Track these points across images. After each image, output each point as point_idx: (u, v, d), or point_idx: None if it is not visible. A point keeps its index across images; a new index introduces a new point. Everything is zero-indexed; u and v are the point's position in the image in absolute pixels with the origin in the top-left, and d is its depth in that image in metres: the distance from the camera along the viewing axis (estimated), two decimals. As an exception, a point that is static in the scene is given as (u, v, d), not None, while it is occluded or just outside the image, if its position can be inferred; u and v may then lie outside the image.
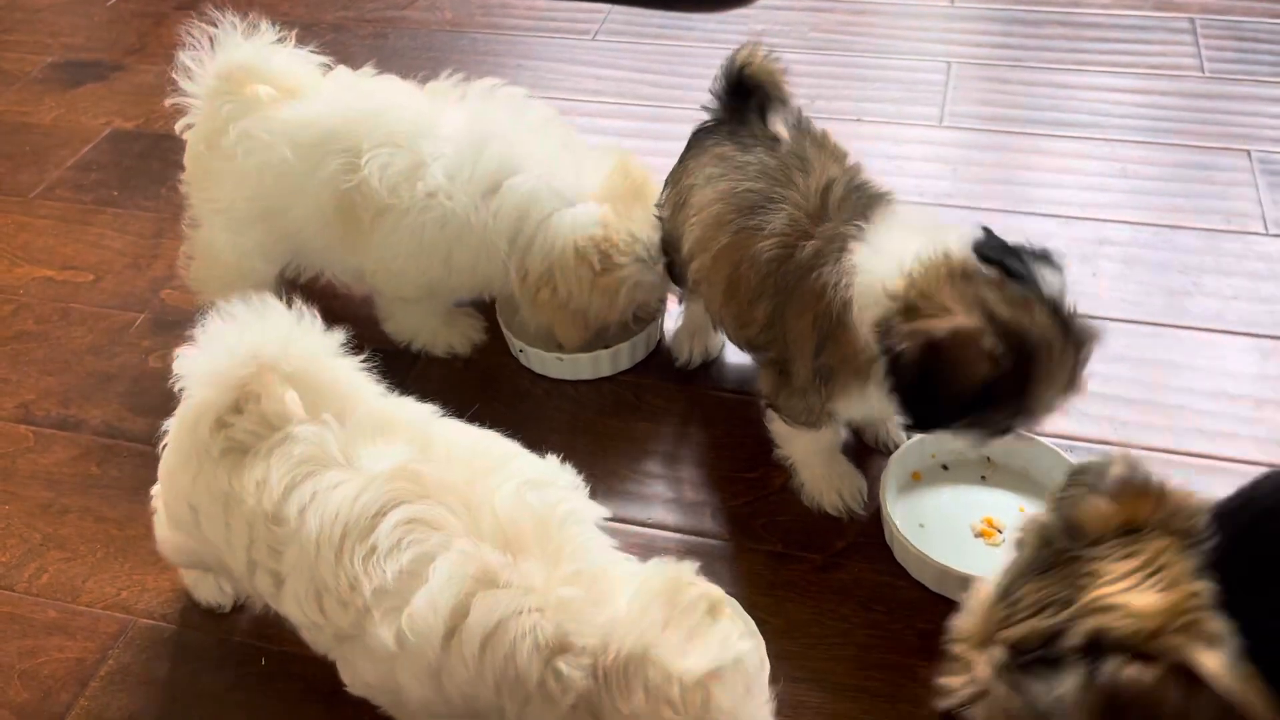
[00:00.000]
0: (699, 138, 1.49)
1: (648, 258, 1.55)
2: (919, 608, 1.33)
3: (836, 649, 1.30)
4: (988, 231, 1.22)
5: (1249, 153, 2.01)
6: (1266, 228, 1.85)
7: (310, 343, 1.14)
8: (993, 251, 1.18)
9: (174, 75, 1.59)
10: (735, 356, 1.67)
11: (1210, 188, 1.94)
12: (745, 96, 1.44)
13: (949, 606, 1.32)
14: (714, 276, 1.38)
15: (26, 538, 1.48)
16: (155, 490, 1.28)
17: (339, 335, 1.16)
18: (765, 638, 1.25)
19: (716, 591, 0.99)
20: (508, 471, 1.08)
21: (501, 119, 1.56)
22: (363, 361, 1.17)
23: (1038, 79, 2.25)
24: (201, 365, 1.13)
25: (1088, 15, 2.43)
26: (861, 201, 1.29)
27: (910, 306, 1.17)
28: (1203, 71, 2.24)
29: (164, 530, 1.28)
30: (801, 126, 1.42)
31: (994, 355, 1.12)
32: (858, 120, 2.14)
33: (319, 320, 1.16)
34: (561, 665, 0.95)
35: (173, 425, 1.19)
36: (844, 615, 1.33)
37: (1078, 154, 2.05)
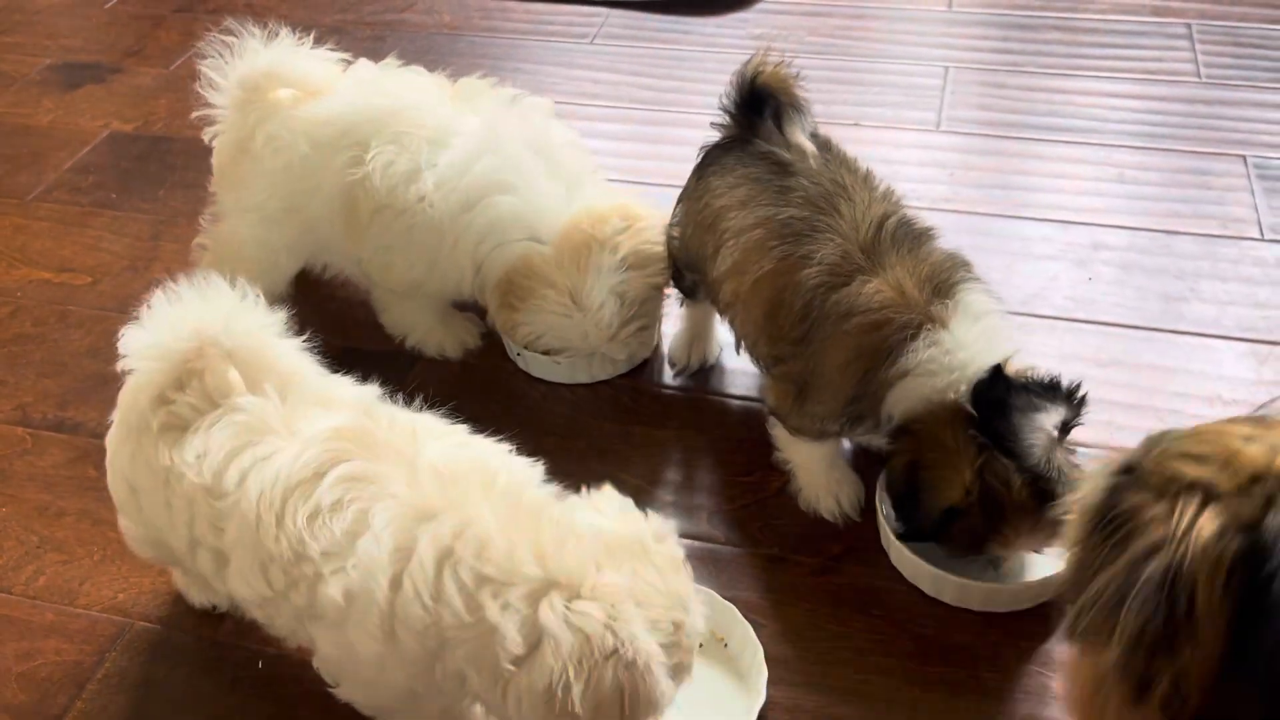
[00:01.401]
0: (716, 155, 1.47)
1: (570, 311, 1.54)
2: (915, 612, 1.33)
3: (833, 653, 1.30)
4: (995, 371, 1.20)
5: (1245, 158, 2.01)
6: (1262, 233, 1.85)
7: (252, 321, 1.15)
8: (984, 410, 1.19)
9: (188, 83, 1.59)
10: (733, 361, 1.67)
11: (1206, 193, 1.95)
12: (759, 109, 1.43)
13: (945, 610, 1.33)
14: (752, 300, 1.38)
15: (24, 540, 1.48)
16: None
17: (281, 315, 1.17)
18: (762, 641, 1.26)
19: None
20: (451, 439, 1.09)
21: (507, 135, 1.56)
22: (304, 342, 1.18)
23: (1035, 84, 2.25)
24: (144, 340, 1.13)
25: (1085, 20, 2.43)
26: (911, 236, 1.31)
27: (913, 433, 1.25)
28: (1199, 77, 2.24)
29: (121, 520, 1.28)
30: (821, 142, 1.42)
31: (968, 488, 1.21)
32: (855, 125, 2.14)
33: (262, 300, 1.17)
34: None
35: (117, 406, 1.19)
36: (841, 619, 1.33)
37: (1074, 159, 2.05)
